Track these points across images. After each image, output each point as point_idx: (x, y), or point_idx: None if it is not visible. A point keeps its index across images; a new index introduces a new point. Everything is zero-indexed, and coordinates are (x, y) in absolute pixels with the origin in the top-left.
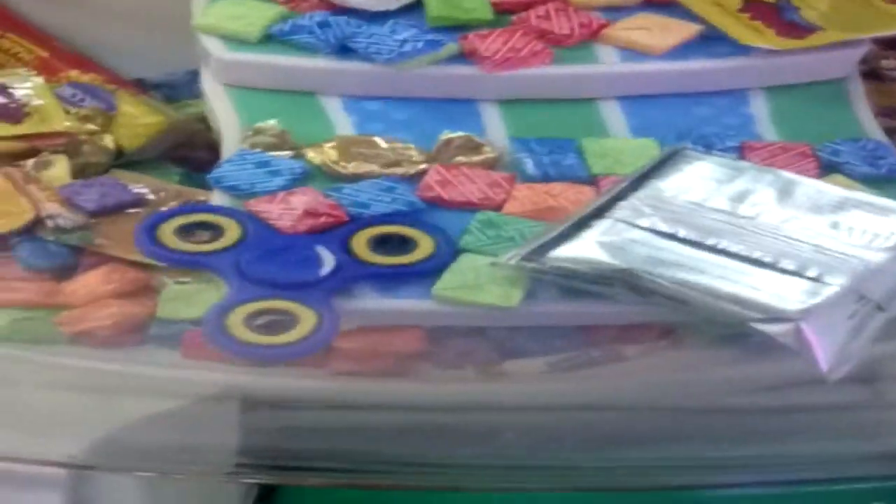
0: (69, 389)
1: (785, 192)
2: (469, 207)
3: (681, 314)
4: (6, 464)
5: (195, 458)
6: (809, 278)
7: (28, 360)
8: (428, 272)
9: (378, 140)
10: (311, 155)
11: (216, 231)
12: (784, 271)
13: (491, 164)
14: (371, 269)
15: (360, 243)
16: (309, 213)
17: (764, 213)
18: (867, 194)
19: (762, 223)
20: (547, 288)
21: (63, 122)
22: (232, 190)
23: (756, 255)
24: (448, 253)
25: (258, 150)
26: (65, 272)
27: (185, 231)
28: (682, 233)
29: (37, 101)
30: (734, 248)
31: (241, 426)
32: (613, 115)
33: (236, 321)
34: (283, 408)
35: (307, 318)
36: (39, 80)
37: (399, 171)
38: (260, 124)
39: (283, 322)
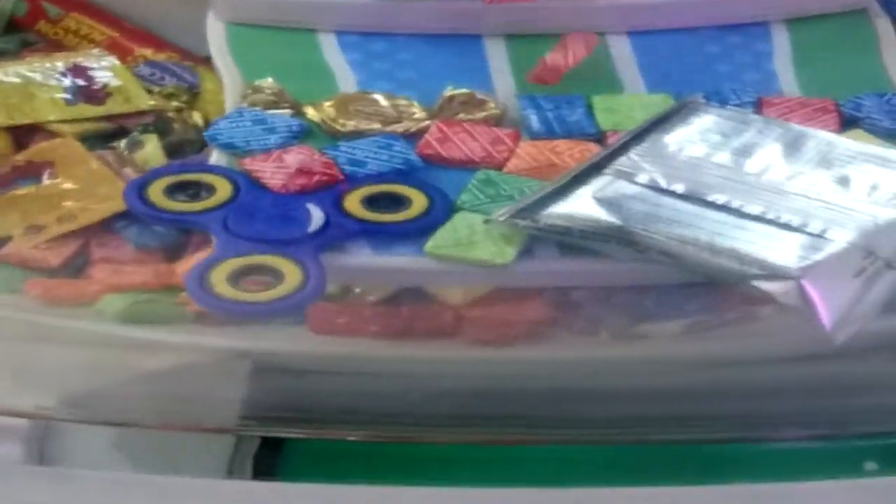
0: (196, 368)
1: (793, 147)
2: (470, 165)
3: (679, 271)
4: None
5: (197, 412)
6: (812, 234)
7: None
8: (421, 230)
9: (378, 97)
10: (311, 113)
11: (208, 190)
12: (786, 227)
13: (495, 121)
14: (361, 226)
15: (354, 201)
16: (302, 172)
17: (769, 167)
18: (882, 148)
19: (766, 178)
20: (545, 245)
21: (147, 101)
22: (227, 147)
23: (757, 210)
24: (443, 211)
25: (257, 108)
26: (175, 251)
27: (177, 190)
28: (680, 188)
29: (116, 82)
30: (735, 204)
31: (251, 383)
32: (623, 52)
33: (219, 278)
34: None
35: (293, 275)
36: (114, 59)
37: (400, 128)
38: (258, 82)
39: (268, 278)
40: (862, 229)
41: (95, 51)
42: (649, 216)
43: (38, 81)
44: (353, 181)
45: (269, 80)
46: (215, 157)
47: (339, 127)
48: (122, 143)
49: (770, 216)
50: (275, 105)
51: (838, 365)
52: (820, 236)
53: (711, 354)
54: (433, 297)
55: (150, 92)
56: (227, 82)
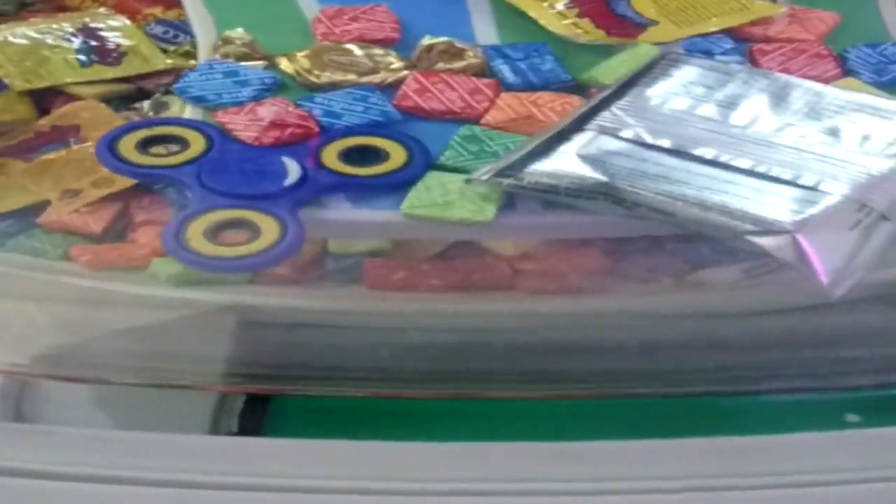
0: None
1: (779, 97)
2: (449, 117)
3: (668, 227)
4: None
5: (185, 368)
6: (805, 187)
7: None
8: (399, 183)
9: (353, 47)
10: (284, 64)
11: (181, 144)
12: (778, 180)
13: (475, 71)
14: (339, 180)
15: (331, 155)
16: (276, 125)
17: (756, 119)
18: (873, 97)
19: (754, 131)
20: (522, 201)
21: (164, 60)
22: (198, 101)
23: (747, 164)
24: (422, 164)
25: (229, 59)
26: None
27: (150, 144)
28: (666, 143)
29: (128, 42)
30: (723, 158)
31: (238, 340)
32: None
33: (195, 233)
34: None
35: (270, 229)
36: (125, 19)
37: (376, 79)
38: (229, 33)
39: (246, 233)
40: (855, 181)
41: (102, 10)
42: (635, 172)
43: (49, 43)
44: (328, 134)
45: (240, 30)
46: (188, 112)
47: (313, 79)
48: (146, 104)
49: (760, 170)
50: (247, 57)
51: (828, 317)
52: (813, 189)
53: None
54: (485, 250)
55: (164, 51)
56: (199, 33)
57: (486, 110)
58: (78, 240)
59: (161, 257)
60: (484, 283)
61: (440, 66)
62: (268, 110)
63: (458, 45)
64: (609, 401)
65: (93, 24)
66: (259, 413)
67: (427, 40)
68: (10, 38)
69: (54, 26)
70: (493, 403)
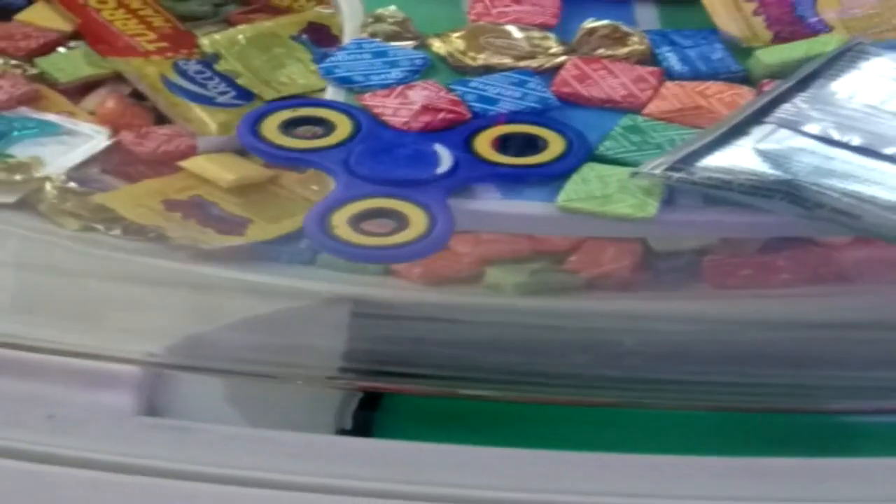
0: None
1: None
2: (610, 106)
3: (847, 229)
4: None
5: (301, 361)
6: None
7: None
8: (556, 174)
9: (512, 28)
10: (436, 45)
11: (326, 127)
12: None
13: (638, 58)
14: (492, 169)
15: (484, 142)
16: (427, 109)
17: None
18: None
19: None
20: (682, 196)
21: None
22: (344, 82)
23: None
24: (581, 155)
25: (377, 39)
26: None
27: (293, 126)
28: (855, 140)
29: None
30: None
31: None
32: None
33: (341, 220)
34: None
35: (418, 220)
36: None
37: (534, 63)
38: (380, 10)
39: (392, 222)
40: None
41: (321, 8)
42: (820, 170)
43: (280, 49)
44: (482, 120)
45: (393, 7)
46: (331, 93)
47: (468, 61)
48: None
49: None
50: (396, 36)
51: None
52: None
53: None
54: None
55: None
56: (345, 10)
57: (650, 99)
58: None
59: (495, 267)
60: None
61: (601, 51)
62: (419, 94)
63: (623, 29)
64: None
65: (319, 22)
66: (369, 413)
67: (589, 23)
68: (242, 43)
69: (278, 29)
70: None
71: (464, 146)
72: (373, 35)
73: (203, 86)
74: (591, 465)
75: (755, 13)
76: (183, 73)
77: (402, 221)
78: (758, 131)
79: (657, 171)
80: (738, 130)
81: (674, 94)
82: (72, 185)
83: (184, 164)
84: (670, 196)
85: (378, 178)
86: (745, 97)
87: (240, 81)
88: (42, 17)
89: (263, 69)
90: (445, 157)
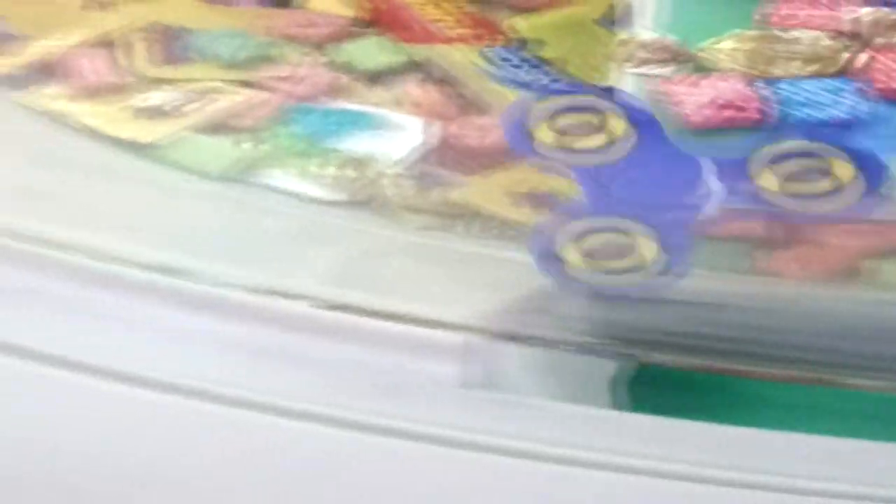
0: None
1: None
2: None
3: None
4: None
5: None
6: None
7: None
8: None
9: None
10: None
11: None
12: None
13: None
14: (767, 209)
15: (768, 173)
16: (717, 105)
17: None
18: None
19: None
20: None
21: None
22: None
23: None
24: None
25: None
26: None
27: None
28: None
29: None
30: None
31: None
32: None
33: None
34: None
35: (649, 249)
36: None
37: (831, 68)
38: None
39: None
40: None
41: None
42: None
43: None
44: (775, 130)
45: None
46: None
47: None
48: None
49: None
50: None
51: None
52: None
53: None
54: None
55: None
56: None
57: None
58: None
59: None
60: None
61: None
62: (713, 84)
63: None
64: None
65: None
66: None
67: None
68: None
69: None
70: None
71: (740, 171)
72: None
73: (516, 72)
74: None
75: None
76: (494, 59)
77: (633, 253)
78: None
79: None
80: None
81: None
82: (408, 179)
83: None
84: None
85: (628, 199)
86: None
87: (556, 67)
88: (322, 3)
89: (578, 53)
90: (714, 190)
